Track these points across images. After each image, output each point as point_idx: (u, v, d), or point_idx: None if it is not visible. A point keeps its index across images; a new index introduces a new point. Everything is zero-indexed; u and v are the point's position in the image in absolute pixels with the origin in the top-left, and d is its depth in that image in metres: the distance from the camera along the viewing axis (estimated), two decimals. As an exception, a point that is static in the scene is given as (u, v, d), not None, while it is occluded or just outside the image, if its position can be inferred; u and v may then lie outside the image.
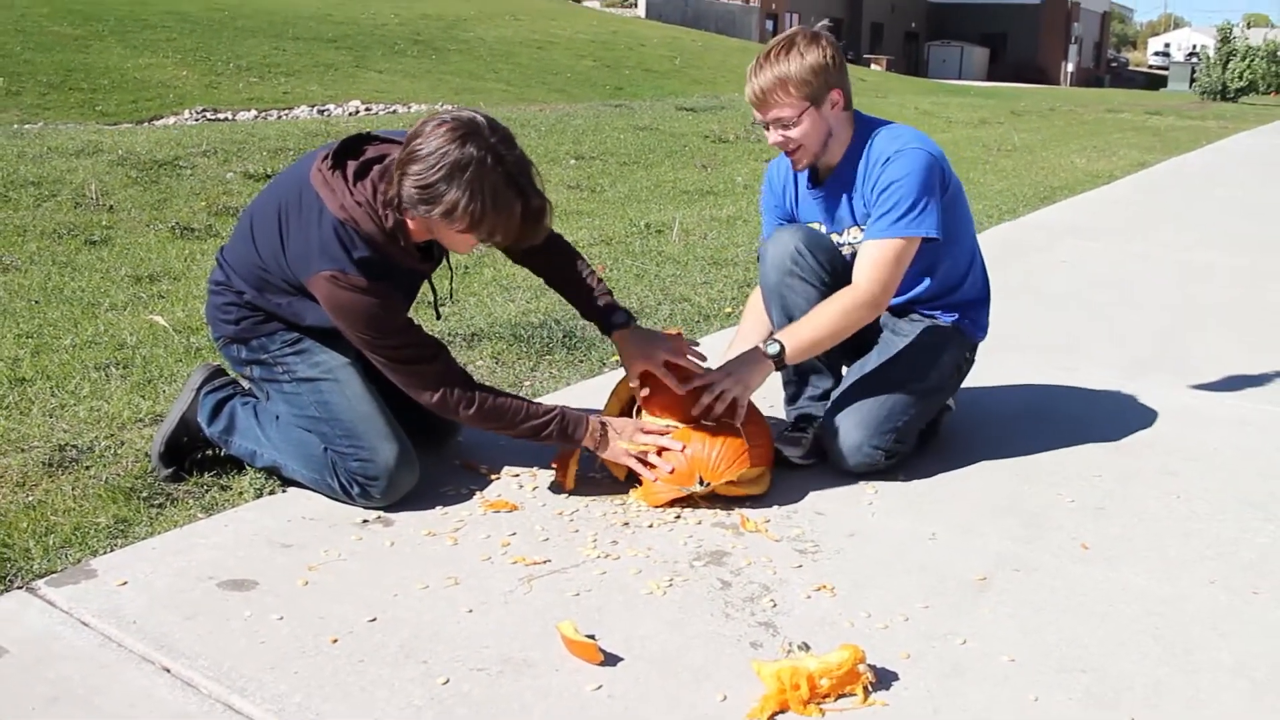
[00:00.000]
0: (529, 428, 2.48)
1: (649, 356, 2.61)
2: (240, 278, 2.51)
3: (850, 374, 2.83)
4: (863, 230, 2.66)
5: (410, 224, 2.35)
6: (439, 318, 2.72)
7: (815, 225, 2.79)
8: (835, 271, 2.70)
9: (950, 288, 2.81)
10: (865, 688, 1.84)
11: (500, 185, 2.23)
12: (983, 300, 2.91)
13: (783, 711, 1.80)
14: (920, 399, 2.76)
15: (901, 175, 2.54)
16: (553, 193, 6.77)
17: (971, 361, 2.93)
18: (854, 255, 2.67)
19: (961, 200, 2.77)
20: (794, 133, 2.57)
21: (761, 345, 2.56)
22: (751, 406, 2.70)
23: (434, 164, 2.20)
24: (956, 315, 2.83)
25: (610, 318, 2.71)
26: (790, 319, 2.78)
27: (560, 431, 2.50)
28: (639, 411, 2.68)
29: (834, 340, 2.59)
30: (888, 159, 2.57)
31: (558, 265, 2.78)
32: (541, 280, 2.85)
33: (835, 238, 2.75)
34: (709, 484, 2.47)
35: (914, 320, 2.81)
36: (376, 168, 2.37)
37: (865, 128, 2.67)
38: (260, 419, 2.61)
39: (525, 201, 2.28)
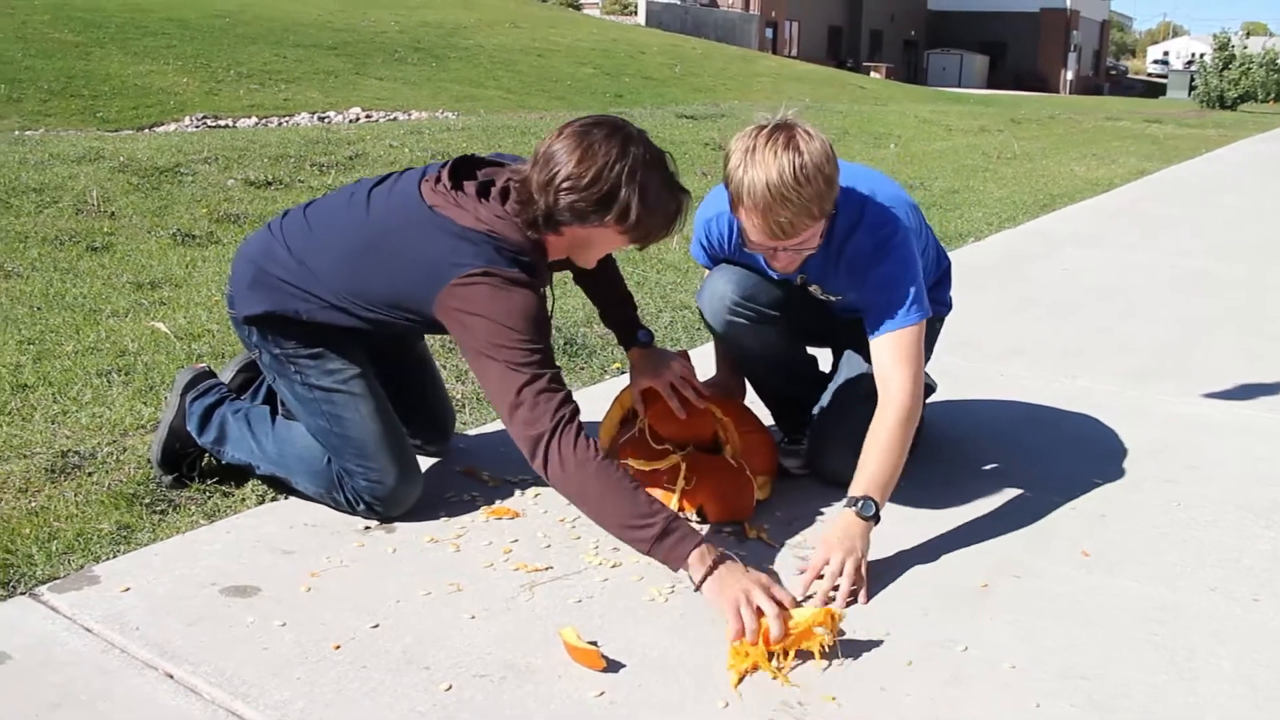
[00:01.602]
0: (633, 534, 2.10)
1: (657, 375, 2.64)
2: (290, 284, 2.38)
3: (829, 390, 2.81)
4: (816, 285, 2.59)
5: (549, 241, 2.26)
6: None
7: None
8: (780, 304, 2.65)
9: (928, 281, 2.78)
10: (821, 647, 1.89)
11: (663, 185, 2.20)
12: (940, 281, 2.83)
13: (755, 670, 1.89)
14: None
15: (900, 267, 2.40)
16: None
17: (937, 333, 2.87)
18: (804, 283, 2.62)
19: (919, 209, 2.69)
20: (812, 246, 2.37)
21: (854, 510, 2.26)
22: (751, 415, 2.71)
23: (602, 173, 2.12)
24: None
25: (635, 334, 2.74)
26: (742, 356, 2.83)
27: (671, 547, 2.07)
28: (641, 428, 2.69)
29: (904, 458, 2.34)
30: (877, 249, 2.41)
31: (607, 278, 2.77)
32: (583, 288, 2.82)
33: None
34: (707, 519, 2.48)
35: None
36: (496, 189, 2.25)
37: (841, 203, 2.43)
38: (254, 428, 2.57)
39: (681, 196, 2.24)
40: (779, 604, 1.97)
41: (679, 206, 2.24)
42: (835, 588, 2.17)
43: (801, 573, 2.24)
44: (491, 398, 2.21)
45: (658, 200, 2.18)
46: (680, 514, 2.46)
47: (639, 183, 2.13)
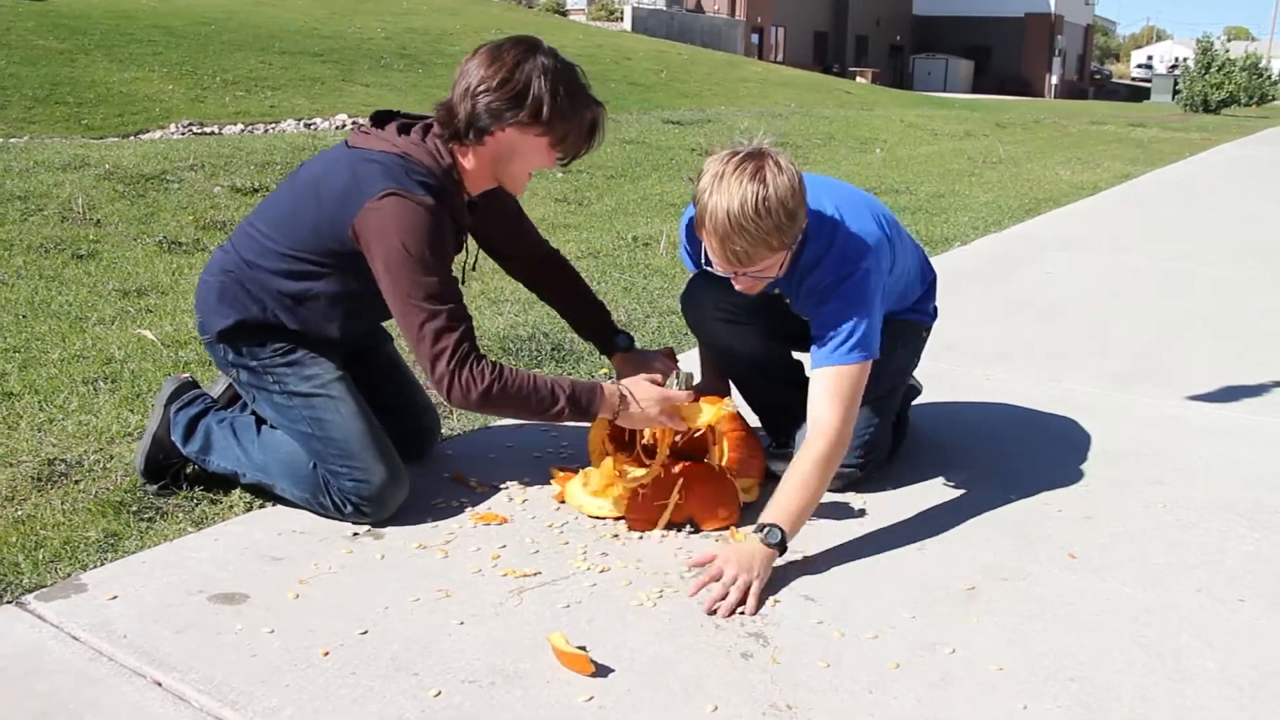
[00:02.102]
0: (541, 410, 2.38)
1: (642, 371, 2.66)
2: (255, 265, 2.45)
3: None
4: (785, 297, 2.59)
5: (466, 166, 2.38)
6: (463, 283, 2.63)
7: None
8: (760, 307, 2.65)
9: (908, 304, 2.79)
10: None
11: (574, 88, 2.33)
12: (928, 291, 2.86)
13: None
14: (882, 403, 2.75)
15: (852, 306, 2.39)
16: (540, 206, 6.78)
17: (925, 339, 2.89)
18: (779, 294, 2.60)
19: (898, 226, 2.67)
20: (773, 274, 2.39)
21: (760, 535, 2.26)
22: (741, 420, 2.71)
23: (512, 73, 2.27)
24: (905, 312, 2.78)
25: (614, 339, 2.80)
26: (725, 359, 2.85)
27: (574, 409, 2.40)
28: (629, 438, 2.70)
29: (821, 494, 2.37)
30: (835, 285, 2.41)
31: (561, 280, 2.83)
32: (535, 294, 2.87)
33: None
34: (699, 528, 2.49)
35: None
36: (417, 126, 2.41)
37: (810, 234, 2.44)
38: (239, 436, 2.57)
39: (595, 105, 2.39)
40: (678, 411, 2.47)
41: (594, 113, 2.38)
42: (723, 597, 2.15)
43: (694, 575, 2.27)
44: (400, 328, 2.37)
45: (571, 101, 2.32)
46: (693, 525, 2.50)
47: (549, 82, 2.28)
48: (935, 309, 2.90)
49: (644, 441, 2.67)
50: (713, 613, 2.13)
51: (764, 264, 2.33)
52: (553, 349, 3.79)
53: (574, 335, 3.35)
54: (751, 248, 2.25)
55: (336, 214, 2.33)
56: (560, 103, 2.29)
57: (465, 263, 2.61)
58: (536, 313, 4.22)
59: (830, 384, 2.39)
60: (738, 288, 2.45)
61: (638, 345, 2.89)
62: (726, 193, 2.21)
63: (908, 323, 2.79)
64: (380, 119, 2.45)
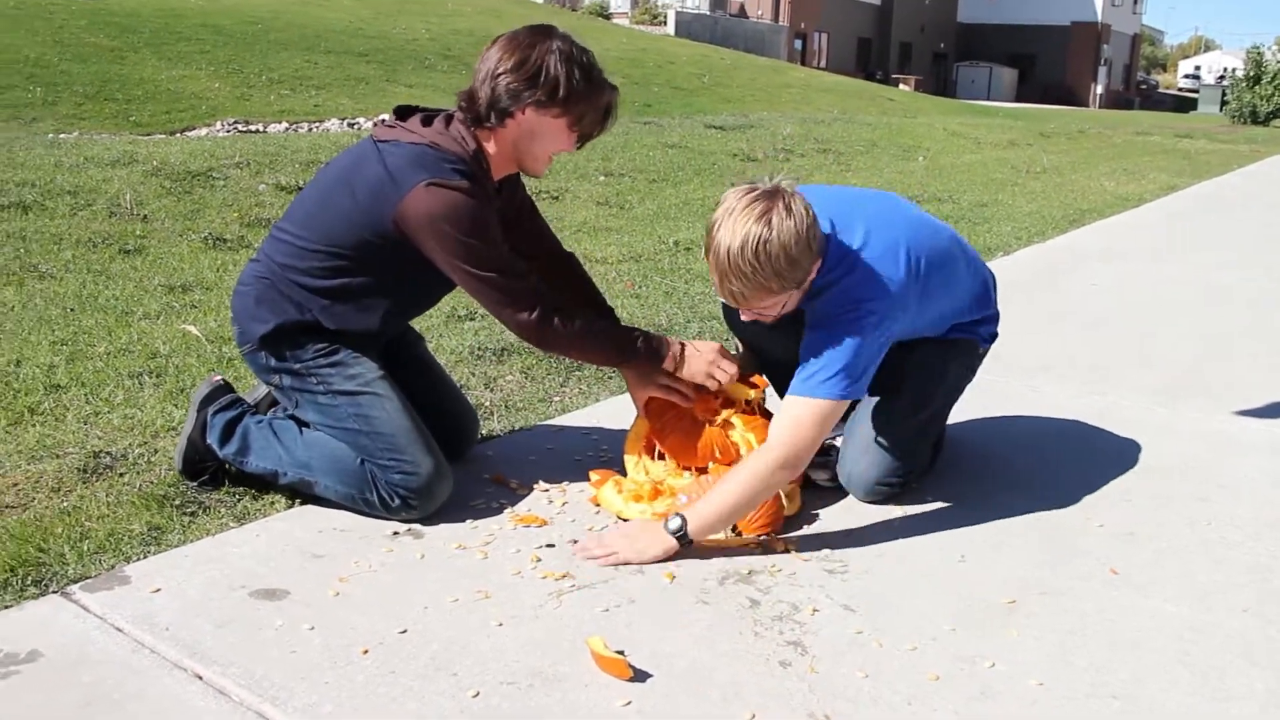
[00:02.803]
0: (618, 348, 2.59)
1: (650, 379, 2.68)
2: (287, 266, 2.49)
3: (861, 402, 2.80)
4: None
5: (491, 150, 2.45)
6: None
7: None
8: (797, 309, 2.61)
9: (946, 328, 2.73)
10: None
11: (588, 69, 2.41)
12: (988, 315, 2.80)
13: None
14: (928, 423, 2.76)
15: (839, 341, 2.37)
16: (582, 209, 6.81)
17: (982, 358, 2.84)
18: None
19: (948, 266, 2.59)
20: (775, 312, 2.41)
21: (665, 520, 2.36)
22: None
23: (528, 55, 2.36)
24: (959, 331, 2.75)
25: None
26: (763, 360, 2.85)
27: (648, 352, 2.59)
28: (658, 454, 2.71)
29: (748, 509, 2.40)
30: (831, 316, 2.40)
31: (571, 282, 2.84)
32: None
33: None
34: (740, 533, 2.49)
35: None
36: (440, 117, 2.48)
37: (832, 259, 2.41)
38: (280, 436, 2.58)
39: (609, 86, 2.46)
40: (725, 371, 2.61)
41: (609, 95, 2.47)
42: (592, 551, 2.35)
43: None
44: (475, 299, 2.51)
45: (587, 82, 2.40)
46: (735, 531, 2.48)
47: (564, 63, 2.37)
48: (994, 334, 2.83)
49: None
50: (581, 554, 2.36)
51: (762, 305, 2.35)
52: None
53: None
54: (748, 290, 2.28)
55: (372, 205, 2.38)
56: (576, 83, 2.37)
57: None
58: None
59: (793, 411, 2.38)
60: (744, 318, 2.47)
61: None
62: (730, 230, 2.23)
63: (964, 341, 2.75)
64: (402, 113, 2.51)
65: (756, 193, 2.27)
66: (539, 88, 2.36)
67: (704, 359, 2.61)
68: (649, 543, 2.36)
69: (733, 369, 2.63)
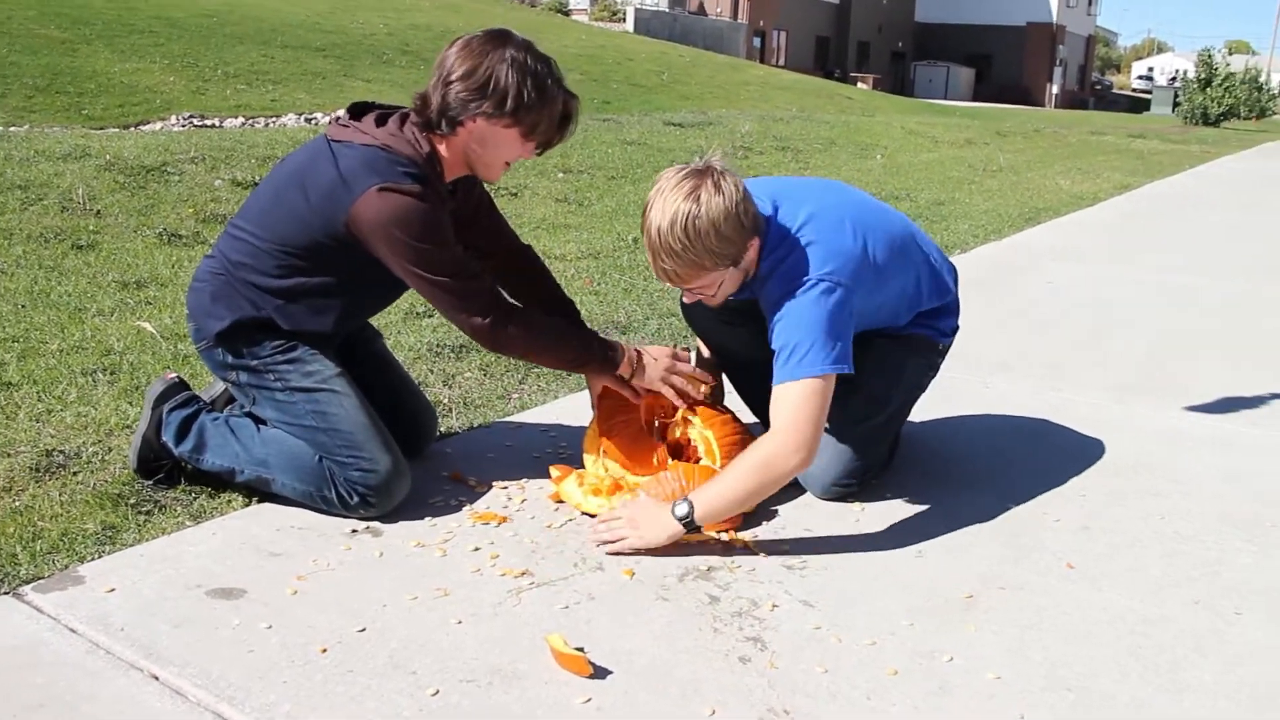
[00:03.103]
0: (573, 354, 2.61)
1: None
2: (242, 264, 2.47)
3: None
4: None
5: (444, 152, 2.42)
6: None
7: None
8: (752, 305, 2.60)
9: (904, 320, 2.73)
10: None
11: (542, 78, 2.35)
12: (947, 304, 2.79)
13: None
14: (886, 423, 2.76)
15: (800, 321, 2.36)
16: (540, 206, 6.78)
17: (943, 354, 2.84)
18: None
19: (899, 246, 2.59)
20: (713, 291, 2.44)
21: (673, 505, 2.35)
22: (734, 422, 2.72)
23: (480, 63, 2.32)
24: (917, 328, 2.75)
25: None
26: (721, 356, 2.88)
27: (603, 358, 2.60)
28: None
29: (757, 498, 2.40)
30: (783, 298, 2.39)
31: (530, 275, 2.84)
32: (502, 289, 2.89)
33: None
34: (700, 529, 2.49)
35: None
36: (394, 116, 2.45)
37: (774, 240, 2.43)
38: (237, 433, 2.56)
39: (564, 97, 2.41)
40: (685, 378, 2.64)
41: (565, 104, 2.41)
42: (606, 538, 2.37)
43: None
44: (429, 302, 2.49)
45: (539, 92, 2.35)
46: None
47: (516, 72, 2.32)
48: (954, 327, 2.83)
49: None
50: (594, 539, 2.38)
51: (698, 283, 2.35)
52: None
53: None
54: (680, 268, 2.30)
55: (324, 207, 2.35)
56: (527, 94, 2.33)
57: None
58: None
59: (785, 397, 2.37)
60: (685, 300, 2.48)
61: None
62: (661, 209, 2.27)
63: (921, 338, 2.75)
64: (356, 110, 2.48)
65: (686, 171, 2.31)
66: (487, 98, 2.32)
67: (659, 367, 2.64)
68: (655, 529, 2.35)
69: (685, 379, 2.65)
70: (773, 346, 2.41)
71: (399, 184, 2.31)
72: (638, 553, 2.35)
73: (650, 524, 2.36)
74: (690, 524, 2.33)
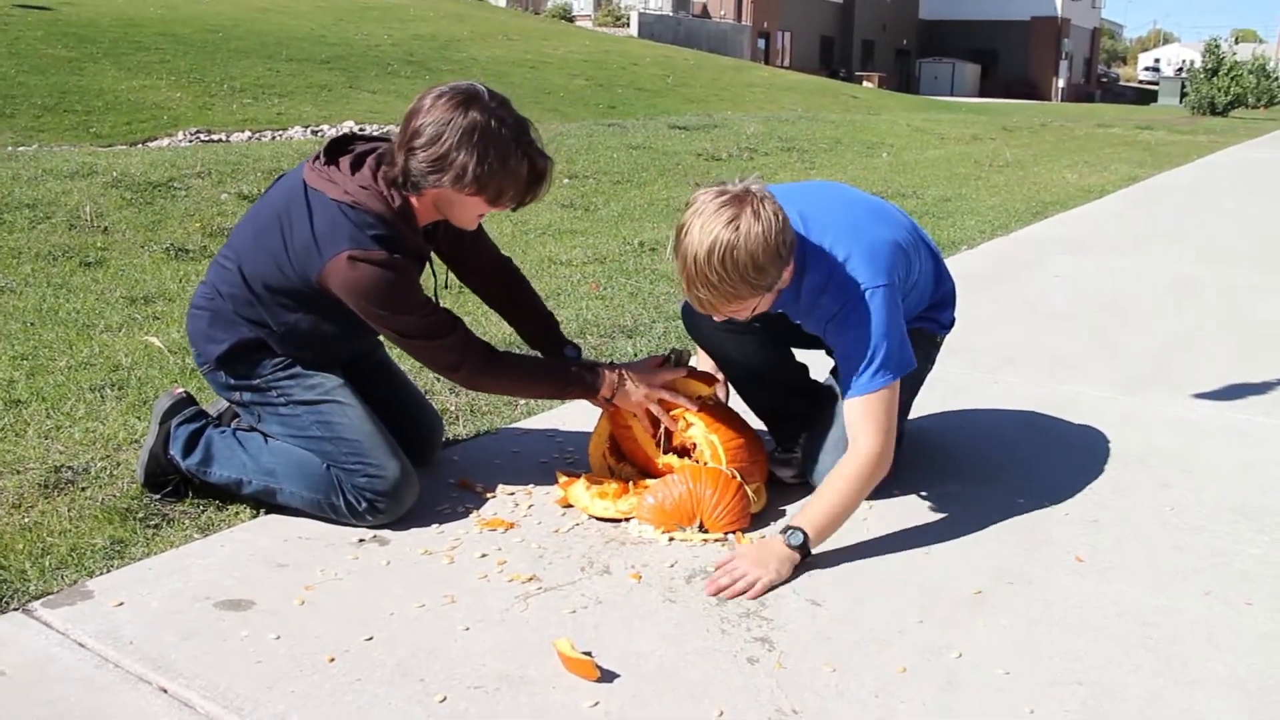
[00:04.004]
0: (553, 387, 2.64)
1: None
2: (232, 296, 2.49)
3: (824, 400, 2.81)
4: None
5: (415, 203, 2.39)
6: (438, 302, 2.74)
7: None
8: (758, 315, 2.56)
9: (915, 313, 2.72)
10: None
11: (505, 147, 2.29)
12: (943, 300, 2.80)
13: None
14: None
15: (868, 330, 2.36)
16: (546, 212, 6.79)
17: (939, 346, 2.85)
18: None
19: (912, 243, 2.58)
20: (746, 315, 2.39)
21: (783, 536, 2.32)
22: (745, 424, 2.71)
23: (441, 133, 2.25)
24: (919, 321, 2.74)
25: (563, 351, 2.82)
26: (724, 365, 2.86)
27: (583, 387, 2.59)
28: (618, 454, 2.71)
29: (854, 509, 2.41)
30: (844, 311, 2.38)
31: (512, 288, 2.85)
32: (484, 302, 2.95)
33: None
34: (707, 530, 2.49)
35: None
36: (371, 157, 2.41)
37: (809, 255, 2.40)
38: (245, 445, 2.57)
39: (531, 161, 2.35)
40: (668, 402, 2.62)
41: (532, 168, 2.35)
42: (727, 587, 2.24)
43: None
44: (402, 349, 2.49)
45: (500, 161, 2.29)
46: (701, 528, 2.49)
47: (478, 143, 2.27)
48: (952, 319, 2.84)
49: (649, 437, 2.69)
50: (717, 594, 2.23)
51: (731, 309, 2.32)
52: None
53: (586, 337, 3.37)
54: (715, 298, 2.24)
55: (300, 264, 2.37)
56: (488, 165, 2.28)
57: (435, 284, 2.66)
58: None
59: (863, 411, 2.39)
60: (716, 319, 2.44)
61: (640, 353, 2.91)
62: (698, 235, 2.18)
63: (919, 331, 2.72)
64: (335, 149, 2.44)
65: (726, 196, 2.21)
66: (446, 171, 2.28)
67: (641, 391, 2.61)
68: (778, 564, 2.29)
69: (674, 385, 2.65)
70: (840, 359, 2.44)
71: (368, 252, 2.31)
72: (772, 587, 2.26)
73: (772, 560, 2.29)
74: (806, 550, 2.32)
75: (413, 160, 2.29)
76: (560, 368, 2.66)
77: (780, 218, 2.23)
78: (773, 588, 2.25)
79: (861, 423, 2.39)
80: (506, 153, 2.30)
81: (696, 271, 2.20)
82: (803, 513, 2.37)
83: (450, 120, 2.26)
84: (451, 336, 2.46)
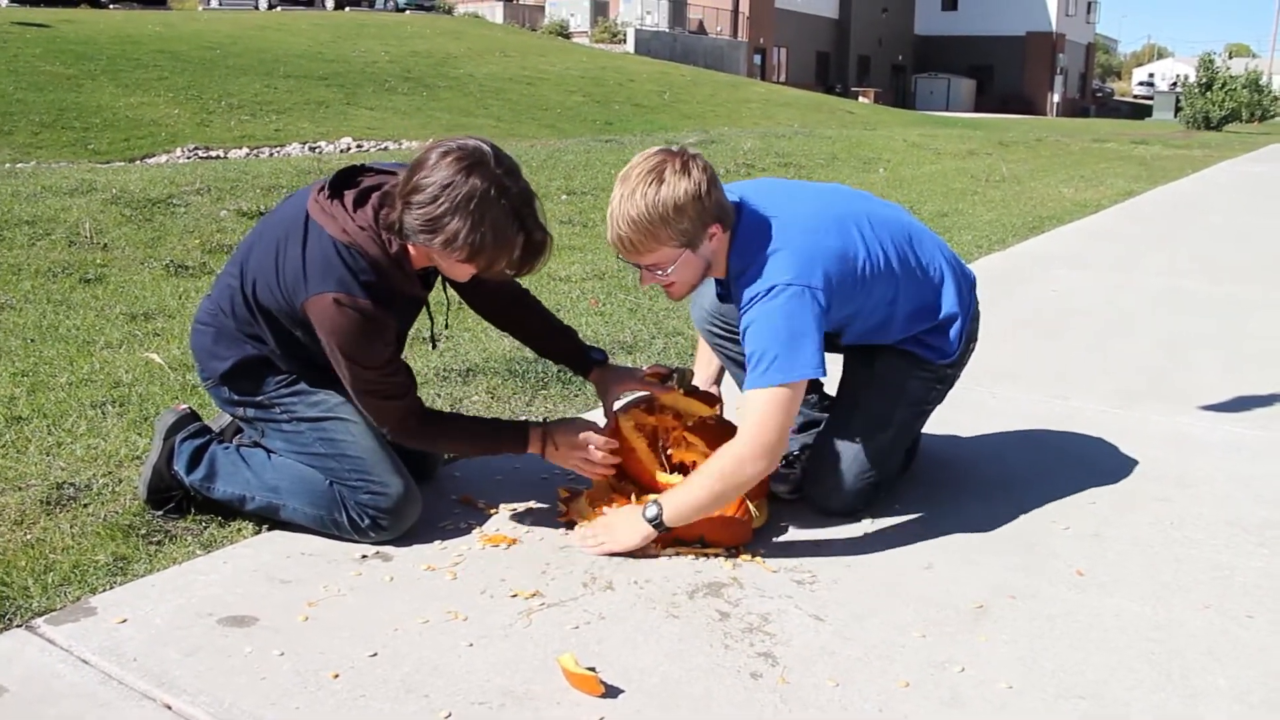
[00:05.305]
0: (481, 449, 2.68)
1: (629, 377, 2.78)
2: (235, 313, 2.50)
3: (829, 418, 2.82)
4: None
5: (411, 250, 2.36)
6: (435, 348, 2.79)
7: None
8: None
9: (897, 335, 2.68)
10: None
11: (503, 218, 2.24)
12: (940, 326, 2.68)
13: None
14: (891, 441, 2.73)
15: (766, 328, 2.35)
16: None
17: (951, 378, 2.78)
18: None
19: (876, 269, 2.52)
20: (667, 276, 2.44)
21: (644, 508, 2.44)
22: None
23: (438, 195, 2.21)
24: (913, 346, 2.69)
25: (589, 356, 2.84)
26: (727, 368, 2.90)
27: (513, 440, 2.60)
28: (620, 472, 2.71)
29: (722, 502, 2.41)
30: (750, 301, 2.39)
31: (525, 309, 2.85)
32: (496, 326, 2.94)
33: None
34: (709, 545, 2.49)
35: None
36: (376, 195, 2.38)
37: (744, 242, 2.44)
38: (248, 461, 2.58)
39: (527, 235, 2.30)
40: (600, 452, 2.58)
41: (528, 242, 2.30)
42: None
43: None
44: (350, 391, 2.45)
45: (495, 234, 2.24)
46: (704, 543, 2.50)
47: (475, 213, 2.21)
48: (956, 350, 2.70)
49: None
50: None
51: (653, 258, 2.38)
52: (558, 371, 3.79)
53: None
54: (636, 236, 2.34)
55: (289, 289, 2.38)
56: (480, 238, 2.23)
57: (432, 328, 2.73)
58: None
59: (751, 404, 2.38)
60: (642, 285, 2.52)
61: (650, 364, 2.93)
62: (625, 178, 2.33)
63: (913, 356, 2.68)
64: (343, 180, 2.42)
65: (657, 149, 2.38)
66: (437, 235, 2.24)
67: (571, 449, 2.58)
68: (628, 532, 2.44)
69: (600, 458, 2.59)
70: (745, 349, 2.41)
71: (354, 299, 2.30)
72: (614, 555, 2.44)
73: (624, 528, 2.45)
74: (660, 525, 2.40)
75: (408, 214, 2.25)
76: (488, 430, 2.64)
77: (708, 174, 2.35)
78: (622, 555, 2.44)
79: (745, 418, 2.39)
80: (503, 224, 2.24)
81: (619, 206, 2.34)
82: (669, 492, 2.45)
83: (451, 183, 2.20)
84: (403, 401, 2.46)
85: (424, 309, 2.65)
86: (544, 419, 2.86)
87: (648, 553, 2.46)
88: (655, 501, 2.42)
